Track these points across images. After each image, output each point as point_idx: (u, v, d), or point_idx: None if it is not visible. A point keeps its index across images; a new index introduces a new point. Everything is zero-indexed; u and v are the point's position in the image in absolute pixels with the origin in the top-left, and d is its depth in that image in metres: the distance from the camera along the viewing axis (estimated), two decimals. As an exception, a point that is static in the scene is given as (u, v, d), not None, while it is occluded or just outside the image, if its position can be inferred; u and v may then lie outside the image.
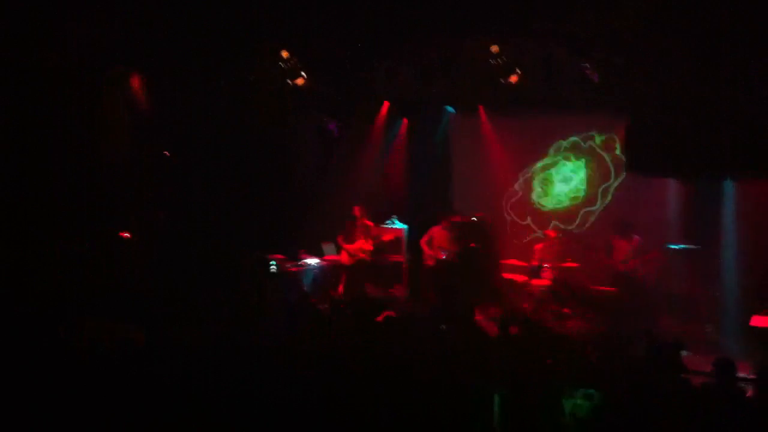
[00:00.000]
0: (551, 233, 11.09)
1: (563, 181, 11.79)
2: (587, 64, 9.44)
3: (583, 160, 11.62)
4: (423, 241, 11.20)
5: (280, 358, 5.56)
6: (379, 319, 7.05)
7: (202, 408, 4.78)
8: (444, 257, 10.96)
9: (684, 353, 6.31)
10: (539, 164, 11.96)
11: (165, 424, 4.66)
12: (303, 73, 10.74)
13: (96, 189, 9.98)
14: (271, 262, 10.69)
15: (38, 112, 9.35)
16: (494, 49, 9.80)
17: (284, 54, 10.49)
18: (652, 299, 9.76)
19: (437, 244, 11.10)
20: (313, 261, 11.15)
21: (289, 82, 10.78)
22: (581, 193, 11.63)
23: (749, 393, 5.13)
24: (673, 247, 10.10)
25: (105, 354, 5.65)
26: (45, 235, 9.21)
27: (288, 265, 10.83)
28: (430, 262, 11.11)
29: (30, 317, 6.35)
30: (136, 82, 10.48)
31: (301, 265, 11.00)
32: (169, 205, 10.64)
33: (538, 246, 10.94)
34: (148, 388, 4.95)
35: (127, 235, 10.44)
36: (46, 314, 6.47)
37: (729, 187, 9.90)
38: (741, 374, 5.43)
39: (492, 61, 9.91)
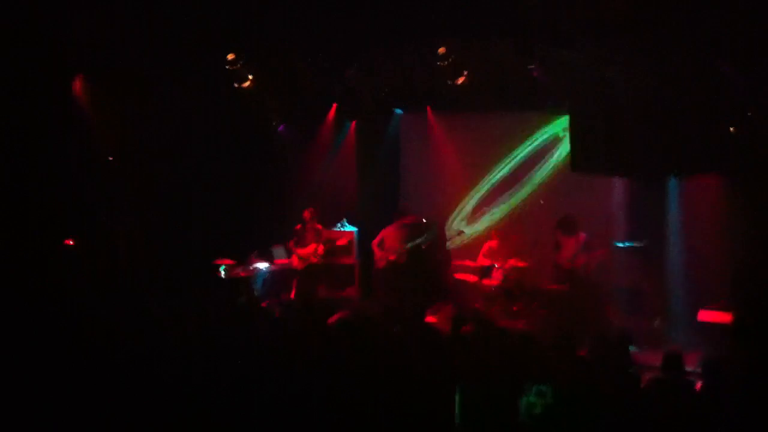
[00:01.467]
0: (501, 232, 11.16)
1: (508, 182, 11.93)
2: (533, 65, 9.56)
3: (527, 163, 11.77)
4: (374, 243, 11.19)
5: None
6: (332, 321, 7.00)
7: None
8: (394, 258, 10.96)
9: (633, 348, 6.40)
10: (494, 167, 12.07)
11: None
12: (250, 76, 10.64)
13: (41, 195, 9.71)
14: (220, 267, 10.54)
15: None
16: (441, 50, 9.86)
17: (230, 57, 10.37)
18: (600, 295, 9.89)
19: (388, 246, 11.09)
20: (263, 265, 11.04)
21: (236, 85, 10.68)
22: (526, 192, 11.79)
23: (697, 386, 5.21)
24: (619, 244, 10.26)
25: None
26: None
27: (238, 270, 10.70)
28: (382, 264, 11.09)
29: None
30: (78, 86, 10.25)
31: (252, 270, 10.88)
32: (113, 211, 10.40)
33: (487, 246, 11.01)
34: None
35: (70, 242, 10.20)
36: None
37: (673, 184, 10.08)
38: (689, 368, 5.52)
39: (439, 63, 9.96)
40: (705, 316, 8.04)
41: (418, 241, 11.07)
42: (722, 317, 7.95)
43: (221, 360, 5.43)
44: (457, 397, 4.87)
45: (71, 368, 5.14)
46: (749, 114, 8.59)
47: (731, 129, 8.80)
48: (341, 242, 11.69)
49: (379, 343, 6.28)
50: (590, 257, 10.00)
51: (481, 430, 4.89)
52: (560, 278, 10.17)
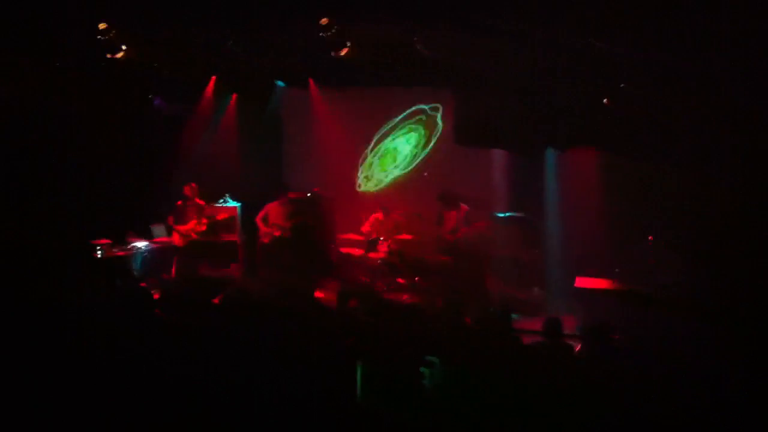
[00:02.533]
0: (386, 206, 11.21)
1: (392, 154, 12.01)
2: (416, 39, 9.58)
3: (413, 134, 11.87)
4: (258, 218, 11.01)
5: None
6: (216, 300, 6.83)
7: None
8: (279, 234, 10.82)
9: (515, 317, 6.58)
10: (375, 139, 12.09)
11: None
12: (123, 47, 10.15)
13: None
14: (96, 248, 10.07)
15: None
16: (323, 21, 9.71)
17: (102, 26, 9.85)
18: (482, 266, 10.13)
19: (272, 221, 10.94)
20: (142, 244, 10.64)
21: (108, 56, 10.17)
22: (406, 166, 11.90)
23: (576, 348, 5.41)
24: (499, 215, 10.52)
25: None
26: None
27: (115, 250, 10.26)
28: (266, 240, 10.94)
29: None
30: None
31: (130, 249, 10.46)
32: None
33: (372, 219, 11.05)
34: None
35: None
36: None
37: (550, 156, 10.40)
38: (567, 332, 5.72)
39: (322, 34, 9.83)
40: (582, 282, 8.36)
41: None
42: (598, 284, 8.29)
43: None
44: (358, 372, 4.85)
45: None
46: (621, 86, 8.92)
47: (604, 101, 9.13)
48: (220, 216, 11.39)
49: (268, 321, 6.19)
50: (471, 229, 10.20)
51: (381, 402, 4.90)
52: (443, 250, 10.33)
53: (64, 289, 6.74)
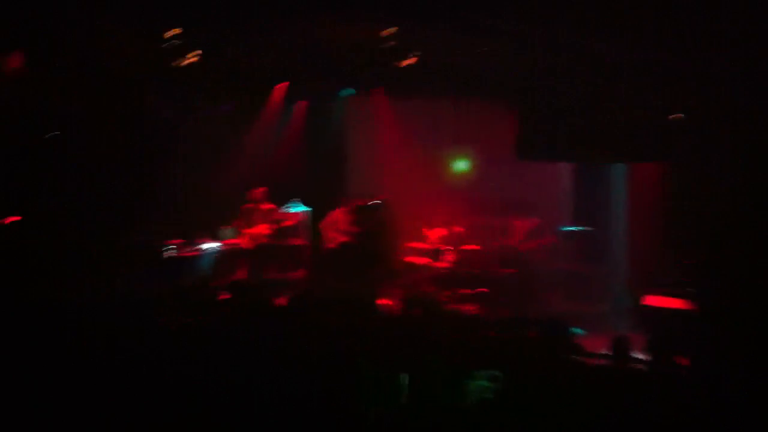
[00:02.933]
0: (453, 217, 11.22)
1: (458, 167, 12.02)
2: (483, 49, 9.58)
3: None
4: (324, 224, 11.16)
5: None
6: (281, 302, 6.97)
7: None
8: (344, 240, 10.94)
9: (578, 332, 6.52)
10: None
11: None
12: (194, 53, 10.40)
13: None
14: (167, 247, 10.36)
15: None
16: (387, 32, 9.79)
17: (174, 31, 10.09)
18: (548, 280, 10.04)
19: (338, 227, 11.08)
20: (211, 246, 10.89)
21: (179, 62, 10.43)
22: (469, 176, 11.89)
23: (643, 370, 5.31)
24: (566, 229, 10.42)
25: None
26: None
27: (185, 250, 10.54)
28: (332, 245, 11.07)
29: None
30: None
31: (199, 250, 10.72)
32: (55, 193, 10.10)
33: (438, 229, 11.06)
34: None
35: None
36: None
37: (617, 171, 10.26)
38: (634, 352, 5.63)
39: (386, 45, 9.91)
40: (650, 300, 8.21)
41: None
42: (667, 302, 8.13)
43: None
44: (403, 382, 4.88)
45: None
46: (690, 103, 8.77)
47: (670, 117, 8.99)
48: (291, 223, 11.58)
49: (327, 327, 6.27)
50: (539, 242, 10.14)
51: (430, 414, 4.92)
52: (510, 262, 10.28)
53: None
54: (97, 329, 5.31)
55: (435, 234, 11.07)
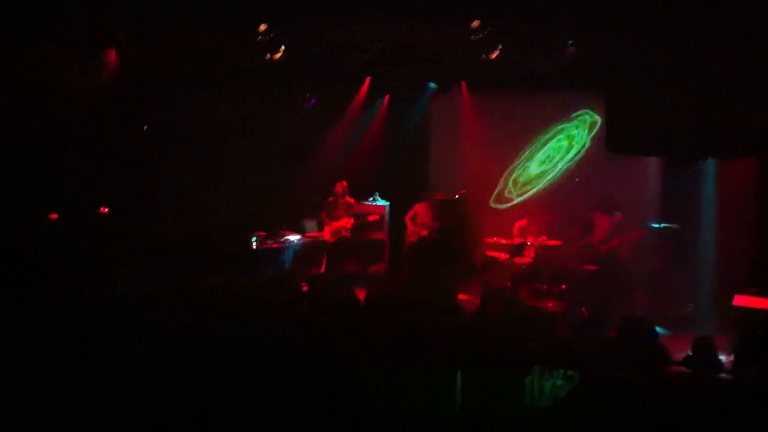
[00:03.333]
0: (534, 210, 11.07)
1: (545, 161, 11.82)
2: (570, 41, 9.39)
3: (563, 140, 11.65)
4: (407, 217, 11.23)
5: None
6: (359, 296, 7.02)
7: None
8: (426, 234, 10.97)
9: (662, 332, 6.33)
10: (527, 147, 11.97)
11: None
12: (282, 47, 10.56)
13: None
14: (252, 239, 10.60)
15: None
16: (474, 24, 9.70)
17: (262, 27, 10.28)
18: (631, 278, 9.78)
19: (420, 221, 11.11)
20: (294, 238, 11.08)
21: (268, 56, 10.61)
22: (559, 171, 11.68)
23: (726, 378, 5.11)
24: (653, 225, 10.12)
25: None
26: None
27: (269, 242, 10.75)
28: (413, 239, 11.12)
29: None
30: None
31: (282, 242, 10.92)
32: (142, 181, 10.47)
33: (520, 224, 10.93)
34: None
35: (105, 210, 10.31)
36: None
37: (709, 167, 9.90)
38: (720, 353, 5.44)
39: (473, 37, 9.82)
40: (741, 301, 7.90)
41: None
42: (757, 303, 7.81)
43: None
44: (457, 377, 4.85)
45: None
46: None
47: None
48: (372, 217, 11.67)
49: (405, 322, 6.27)
50: (624, 239, 9.89)
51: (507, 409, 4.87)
52: (592, 259, 10.06)
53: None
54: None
55: (516, 229, 10.92)
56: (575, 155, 11.55)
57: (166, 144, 10.89)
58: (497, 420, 4.66)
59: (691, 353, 5.40)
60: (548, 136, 11.75)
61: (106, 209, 10.31)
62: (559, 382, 4.66)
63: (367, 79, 12.21)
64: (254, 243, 10.63)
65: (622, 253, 9.88)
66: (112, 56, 10.14)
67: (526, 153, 11.91)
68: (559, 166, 11.70)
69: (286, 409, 4.65)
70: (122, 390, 4.80)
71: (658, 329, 5.96)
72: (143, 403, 4.71)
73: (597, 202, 10.18)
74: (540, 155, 11.81)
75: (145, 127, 10.75)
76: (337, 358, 5.20)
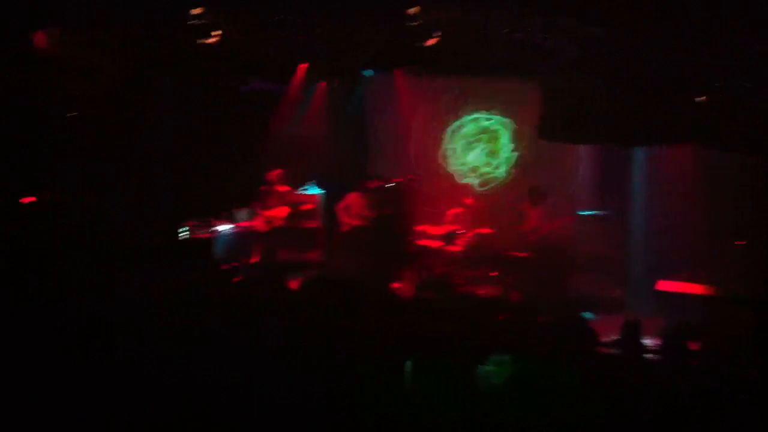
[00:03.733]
0: (467, 200, 11.12)
1: (477, 148, 11.89)
2: (507, 30, 9.43)
3: (498, 127, 11.74)
4: (339, 207, 11.09)
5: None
6: (293, 284, 6.92)
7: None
8: (359, 224, 10.90)
9: (590, 316, 6.41)
10: (457, 129, 11.99)
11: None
12: (216, 32, 10.34)
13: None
14: (182, 229, 10.37)
15: None
16: (412, 10, 9.65)
17: (196, 11, 10.05)
18: (563, 263, 9.92)
19: (354, 211, 11.01)
20: (226, 227, 10.87)
21: (201, 41, 10.37)
22: (493, 160, 11.76)
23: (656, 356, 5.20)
24: (583, 213, 10.28)
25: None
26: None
27: (200, 232, 10.53)
28: (345, 229, 11.03)
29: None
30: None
31: (214, 232, 10.71)
32: (70, 172, 10.10)
33: (453, 212, 10.96)
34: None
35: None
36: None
37: (640, 154, 10.09)
38: (648, 336, 5.51)
39: (410, 24, 9.77)
40: (664, 285, 8.08)
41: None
42: (682, 287, 8.00)
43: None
44: (410, 366, 4.80)
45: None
46: (717, 84, 8.57)
47: (697, 99, 8.79)
48: (306, 204, 11.54)
49: (344, 308, 6.21)
50: (554, 225, 10.01)
51: (440, 398, 4.84)
52: (525, 246, 10.16)
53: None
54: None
55: (449, 217, 10.96)
56: (509, 144, 11.66)
57: (91, 133, 10.51)
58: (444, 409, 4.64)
59: (618, 337, 5.46)
60: (480, 122, 11.85)
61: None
62: (492, 368, 4.64)
63: (303, 66, 12.04)
64: (185, 233, 10.39)
65: (552, 239, 10.00)
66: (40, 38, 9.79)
67: (462, 142, 11.98)
68: (497, 155, 11.79)
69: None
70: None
71: (585, 314, 6.02)
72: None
73: (529, 191, 10.27)
74: (476, 144, 11.89)
75: (68, 114, 10.35)
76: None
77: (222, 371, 4.79)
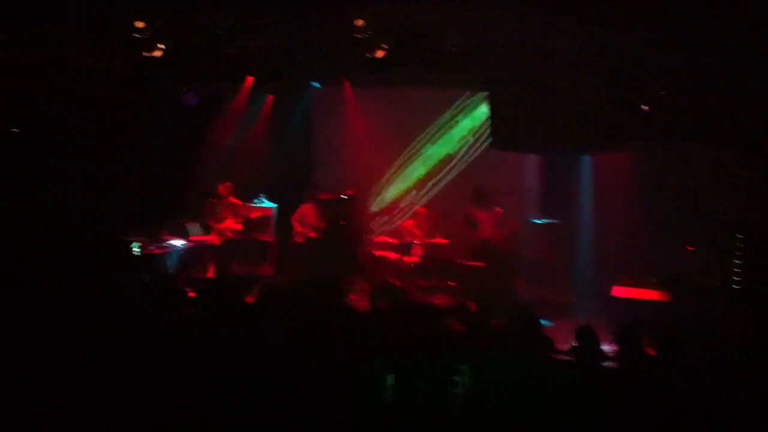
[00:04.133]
0: (421, 210, 11.22)
1: (425, 159, 12.01)
2: (450, 41, 9.54)
3: (445, 139, 11.89)
4: (294, 219, 11.12)
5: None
6: (249, 299, 6.88)
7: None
8: (313, 235, 10.91)
9: (545, 323, 6.52)
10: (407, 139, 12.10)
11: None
12: (160, 45, 10.24)
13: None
14: (132, 244, 10.19)
15: None
16: (359, 22, 9.71)
17: (139, 24, 9.94)
18: (512, 269, 10.07)
19: (308, 221, 11.05)
20: (178, 242, 10.73)
21: (144, 54, 10.25)
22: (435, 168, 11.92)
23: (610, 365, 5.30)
24: (534, 221, 10.45)
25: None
26: None
27: (151, 247, 10.37)
28: (299, 239, 11.03)
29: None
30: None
31: (166, 247, 10.56)
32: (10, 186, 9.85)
33: (407, 223, 11.05)
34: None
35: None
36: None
37: (586, 162, 10.31)
38: (603, 344, 5.63)
39: (357, 36, 9.82)
40: (618, 291, 8.25)
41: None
42: (635, 293, 8.18)
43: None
44: (388, 378, 4.83)
45: None
46: (662, 93, 8.80)
47: (643, 107, 9.01)
48: (255, 215, 11.48)
49: (294, 322, 6.20)
50: (502, 232, 10.16)
51: (412, 409, 4.87)
52: (475, 254, 10.28)
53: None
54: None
55: (403, 228, 11.04)
56: (457, 151, 11.80)
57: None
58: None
59: (575, 343, 5.57)
60: (432, 132, 11.96)
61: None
62: (457, 377, 4.69)
63: (249, 78, 12.00)
64: (136, 249, 10.21)
65: (501, 246, 10.15)
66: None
67: (411, 150, 12.07)
68: (441, 163, 11.91)
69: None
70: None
71: (542, 321, 6.13)
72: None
73: (472, 195, 10.39)
74: (424, 151, 12.00)
75: (14, 130, 10.11)
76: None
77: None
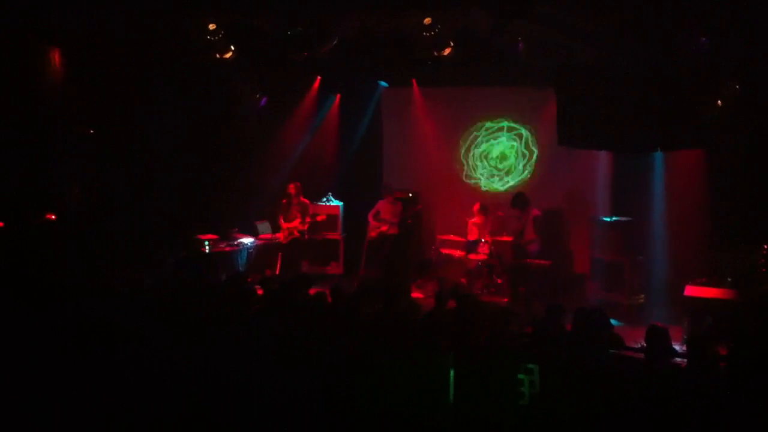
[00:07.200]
0: (484, 208, 11.14)
1: (498, 158, 11.91)
2: (520, 38, 9.43)
3: (516, 137, 11.77)
4: (371, 215, 11.26)
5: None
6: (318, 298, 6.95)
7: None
8: (386, 229, 11.05)
9: (616, 323, 6.39)
10: (473, 138, 12.03)
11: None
12: (232, 47, 10.41)
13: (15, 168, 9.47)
14: (203, 242, 10.43)
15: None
16: (427, 21, 9.68)
17: (211, 26, 10.12)
18: (585, 271, 9.92)
19: (383, 217, 11.16)
20: (247, 240, 10.94)
21: (217, 56, 10.45)
22: (512, 168, 11.80)
23: (683, 363, 5.17)
24: (604, 219, 10.25)
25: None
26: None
27: (222, 245, 10.60)
28: (374, 234, 11.20)
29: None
30: (54, 56, 9.98)
31: (236, 245, 10.78)
32: (92, 185, 10.17)
33: (473, 221, 10.98)
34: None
35: (52, 216, 10.01)
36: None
37: (658, 159, 10.06)
38: (673, 343, 5.50)
39: (425, 34, 9.79)
40: (692, 291, 8.03)
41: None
42: (708, 293, 7.95)
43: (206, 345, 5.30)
44: (451, 374, 4.83)
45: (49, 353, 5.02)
46: (737, 87, 8.54)
47: (718, 102, 8.75)
48: (325, 215, 11.63)
49: (357, 322, 6.23)
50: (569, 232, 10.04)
51: (474, 408, 4.84)
52: (544, 254, 10.14)
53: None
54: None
55: (470, 226, 10.97)
56: (529, 151, 11.69)
57: (115, 146, 10.59)
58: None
59: (645, 343, 5.45)
60: (499, 132, 11.88)
61: (53, 216, 10.00)
62: (522, 375, 4.64)
63: (318, 79, 12.14)
64: (207, 247, 10.45)
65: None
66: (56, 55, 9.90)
67: (480, 151, 12.02)
68: (516, 164, 11.82)
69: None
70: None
71: (612, 321, 6.01)
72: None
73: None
74: (496, 153, 11.94)
75: (91, 131, 10.42)
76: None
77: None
